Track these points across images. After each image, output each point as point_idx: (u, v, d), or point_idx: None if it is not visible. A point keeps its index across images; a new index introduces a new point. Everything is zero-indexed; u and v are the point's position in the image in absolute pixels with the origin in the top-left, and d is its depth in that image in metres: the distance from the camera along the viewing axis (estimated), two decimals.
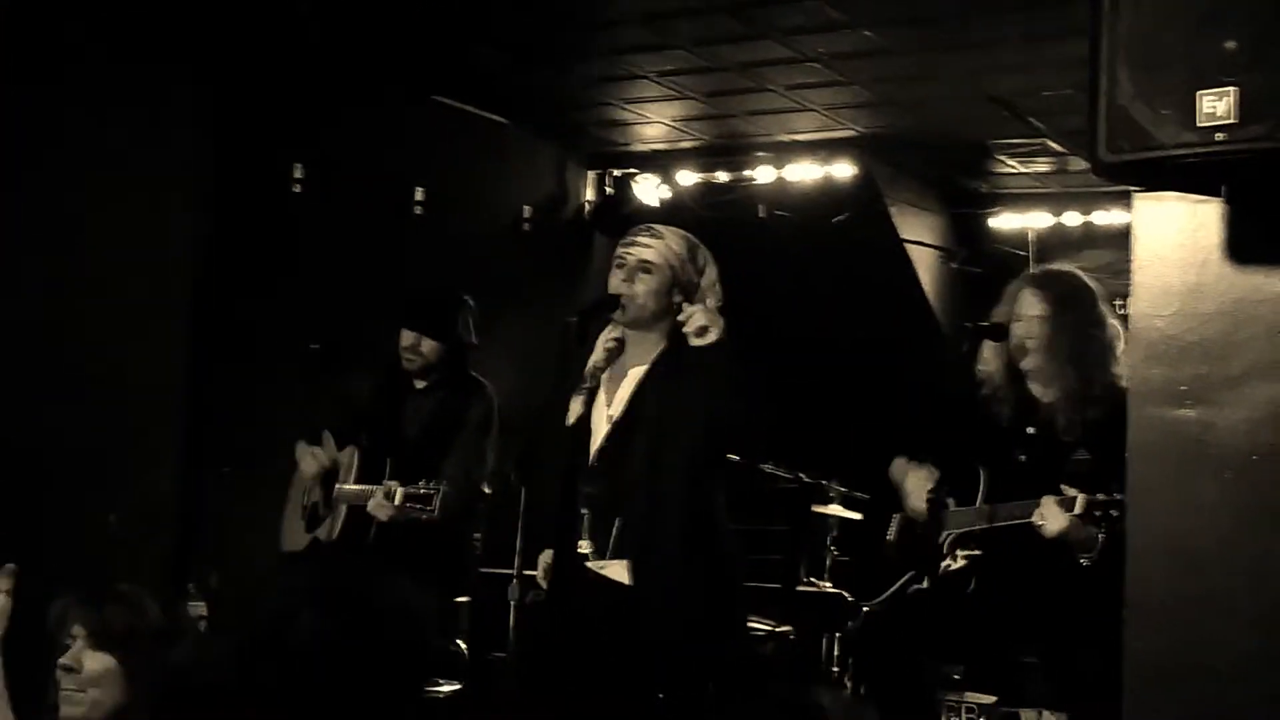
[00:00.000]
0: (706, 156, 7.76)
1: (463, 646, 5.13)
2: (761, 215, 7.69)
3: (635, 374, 3.97)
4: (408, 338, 5.07)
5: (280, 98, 6.15)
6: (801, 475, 6.49)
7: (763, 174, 7.62)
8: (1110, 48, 2.72)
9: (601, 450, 3.93)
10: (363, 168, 6.51)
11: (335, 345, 5.42)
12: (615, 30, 6.00)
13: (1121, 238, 3.16)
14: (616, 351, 4.04)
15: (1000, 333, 4.25)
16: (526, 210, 7.61)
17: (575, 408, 4.00)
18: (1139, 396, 3.02)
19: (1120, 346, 4.11)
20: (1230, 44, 2.60)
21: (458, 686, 4.96)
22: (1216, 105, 2.58)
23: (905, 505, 4.39)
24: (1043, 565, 3.99)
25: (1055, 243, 7.68)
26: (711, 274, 4.00)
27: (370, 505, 4.75)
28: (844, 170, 7.40)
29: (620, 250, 3.99)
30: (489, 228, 7.35)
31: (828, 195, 7.47)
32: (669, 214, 7.07)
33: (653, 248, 3.94)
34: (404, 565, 4.60)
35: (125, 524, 5.49)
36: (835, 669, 6.01)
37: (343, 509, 4.98)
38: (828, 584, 6.44)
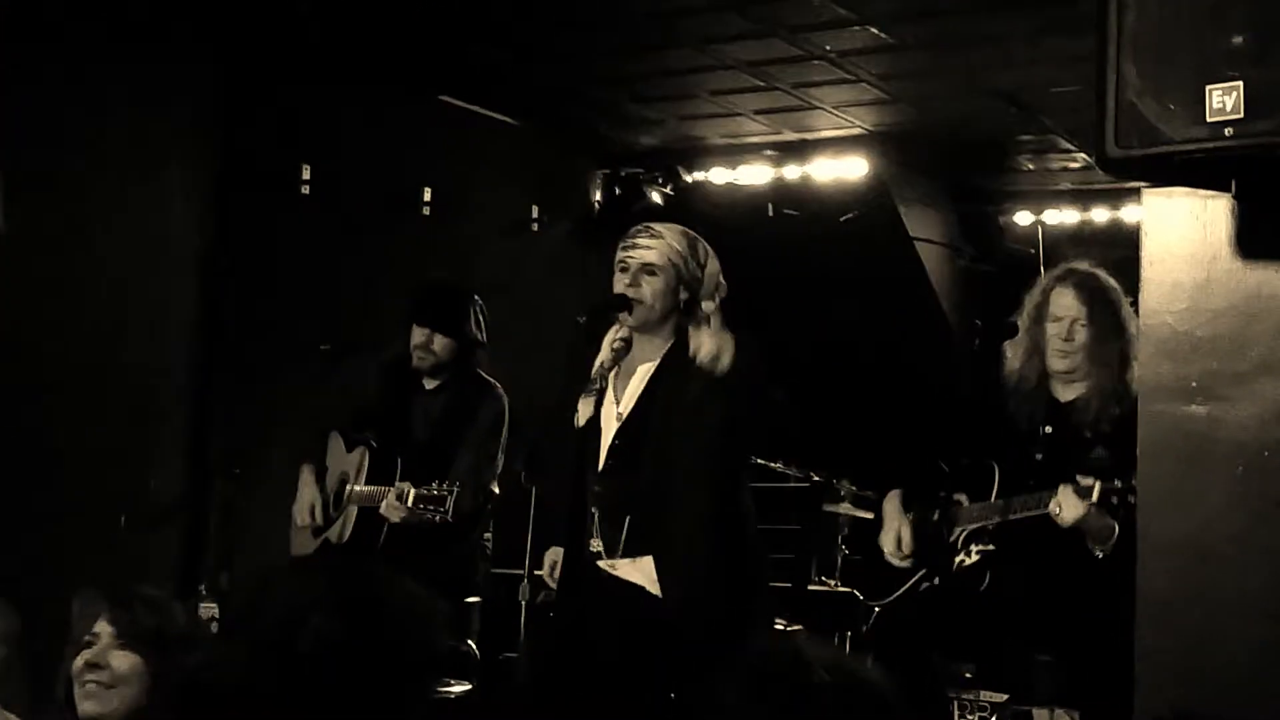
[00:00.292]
0: (714, 155, 7.76)
1: (474, 647, 5.12)
2: (770, 214, 7.68)
3: (644, 371, 3.97)
4: (419, 335, 5.02)
5: (288, 99, 6.16)
6: (812, 474, 6.48)
7: (771, 172, 7.61)
8: (1118, 43, 2.71)
9: (612, 448, 3.92)
10: (370, 168, 6.51)
11: (344, 346, 5.42)
12: (621, 29, 5.99)
13: (1131, 234, 3.15)
14: (623, 351, 4.03)
15: (1011, 331, 4.24)
16: (534, 210, 7.61)
17: (584, 409, 3.98)
18: (1149, 392, 3.02)
19: (1137, 348, 4.10)
20: (1238, 38, 2.59)
21: (468, 687, 4.96)
22: (1225, 100, 2.57)
23: (880, 540, 4.40)
24: (1057, 558, 3.98)
25: (1064, 239, 7.65)
26: (713, 266, 4.00)
27: (383, 507, 4.73)
28: (853, 168, 7.39)
29: (621, 254, 3.97)
30: (496, 227, 7.35)
31: (836, 193, 7.47)
32: (677, 213, 7.06)
33: (654, 249, 3.93)
34: (414, 567, 4.58)
35: (135, 525, 5.51)
36: None
37: (353, 511, 4.98)
38: (839, 583, 6.43)
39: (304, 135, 6.26)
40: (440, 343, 5.02)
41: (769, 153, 7.60)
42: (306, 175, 6.27)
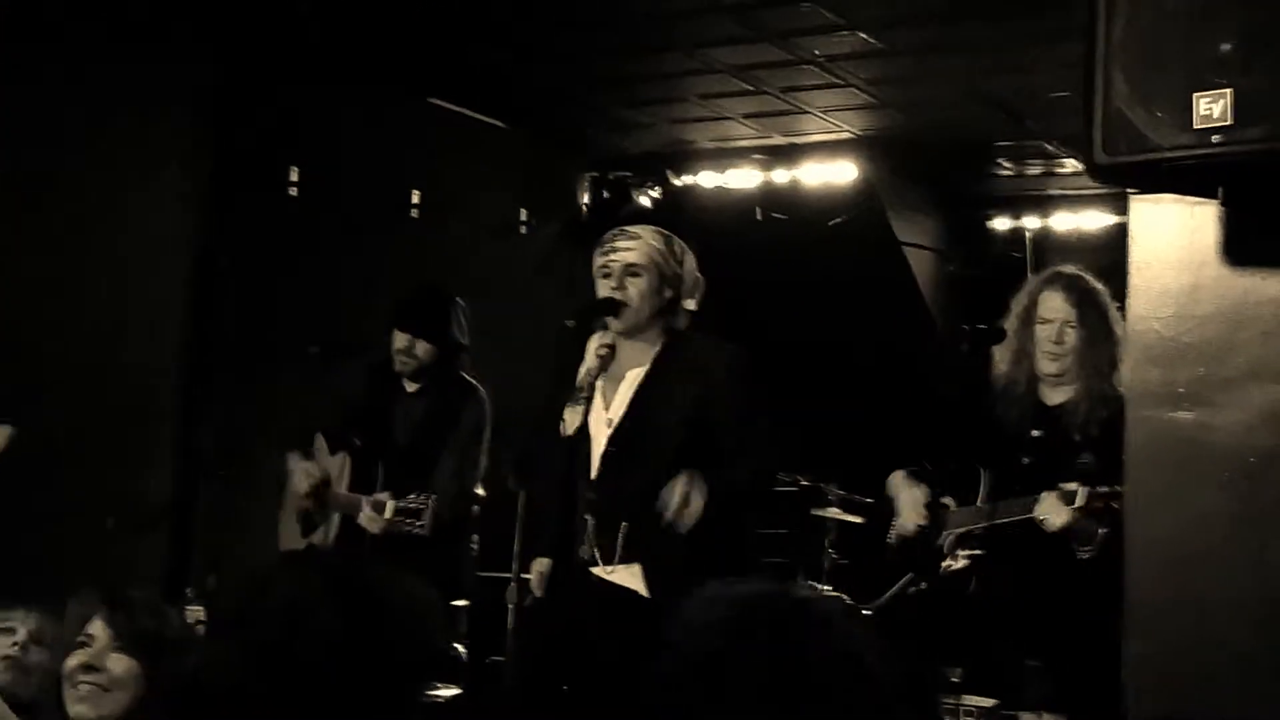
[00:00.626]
0: (704, 159, 7.76)
1: (461, 650, 5.11)
2: (759, 218, 7.69)
3: (634, 375, 3.95)
4: (401, 340, 4.99)
5: (278, 101, 6.15)
6: (800, 478, 6.48)
7: (760, 176, 7.62)
8: (1106, 50, 2.72)
9: (606, 455, 3.90)
10: (359, 171, 6.51)
11: (333, 348, 5.41)
12: (612, 33, 6.00)
13: (1118, 240, 3.16)
14: (609, 357, 4.00)
15: (998, 335, 4.25)
16: (523, 213, 7.61)
17: (572, 417, 3.93)
18: (1137, 398, 3.03)
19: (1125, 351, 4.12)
20: (1225, 46, 2.60)
21: (457, 691, 4.95)
22: (1212, 107, 2.59)
23: (897, 521, 4.39)
24: (1043, 562, 3.99)
25: (1052, 245, 7.67)
26: (690, 263, 4.00)
27: (361, 518, 4.71)
28: (841, 172, 7.40)
29: (601, 259, 3.95)
30: (485, 231, 7.34)
31: (825, 198, 7.47)
32: (665, 217, 7.06)
33: (634, 249, 3.92)
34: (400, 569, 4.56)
35: (123, 527, 5.50)
36: None
37: (336, 516, 4.97)
38: (827, 587, 6.43)
39: (295, 137, 6.26)
40: (422, 348, 4.99)
41: (758, 157, 7.60)
42: (295, 177, 6.26)
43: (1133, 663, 2.96)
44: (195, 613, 4.71)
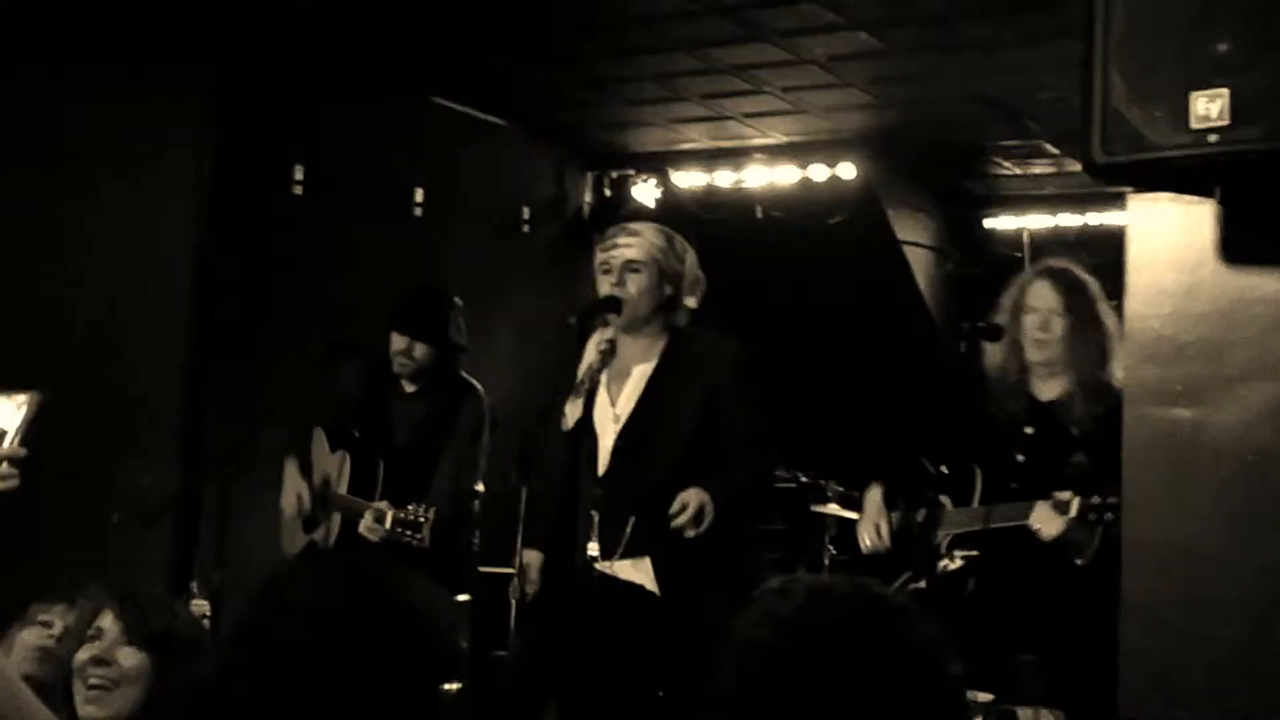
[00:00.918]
0: (704, 158, 7.78)
1: (464, 645, 5.12)
2: (758, 217, 7.70)
3: (641, 372, 3.97)
4: (399, 342, 5.00)
5: (281, 99, 6.16)
6: (799, 474, 6.50)
7: (760, 175, 7.63)
8: (1104, 49, 2.73)
9: (615, 450, 3.92)
10: (362, 169, 6.52)
11: (335, 346, 5.42)
12: (613, 32, 6.01)
13: (1116, 239, 3.18)
14: (610, 354, 4.03)
15: (997, 333, 4.26)
16: (525, 212, 7.62)
17: (572, 412, 3.97)
18: (1134, 396, 3.04)
19: (1118, 345, 4.14)
20: (1223, 46, 2.61)
21: (459, 685, 4.96)
22: (1210, 107, 2.60)
23: (857, 530, 4.43)
24: (1039, 566, 4.00)
25: (1050, 244, 7.69)
26: (691, 260, 4.03)
27: (361, 527, 4.72)
28: (840, 172, 7.42)
29: (602, 255, 3.99)
30: (488, 229, 7.36)
31: (824, 197, 7.48)
32: (666, 216, 7.09)
33: (635, 246, 3.95)
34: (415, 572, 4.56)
35: (128, 523, 5.51)
36: None
37: (337, 517, 4.98)
38: (819, 579, 6.43)
39: (298, 135, 6.27)
40: (420, 350, 4.99)
41: (758, 156, 7.62)
42: (299, 176, 6.27)
43: (1129, 659, 2.98)
44: (200, 607, 4.73)
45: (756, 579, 3.93)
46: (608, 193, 8.04)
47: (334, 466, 5.06)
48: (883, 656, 1.59)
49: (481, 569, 5.17)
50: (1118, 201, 3.29)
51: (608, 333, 4.04)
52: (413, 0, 5.70)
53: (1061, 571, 3.97)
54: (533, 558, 4.06)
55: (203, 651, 2.79)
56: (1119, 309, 3.22)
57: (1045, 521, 3.91)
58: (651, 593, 3.82)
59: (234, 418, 5.85)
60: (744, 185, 7.70)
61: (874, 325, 7.52)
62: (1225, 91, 2.60)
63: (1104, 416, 4.04)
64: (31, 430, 2.46)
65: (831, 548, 6.57)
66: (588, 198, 8.09)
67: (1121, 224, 3.10)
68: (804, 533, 6.61)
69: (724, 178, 7.74)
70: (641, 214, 5.79)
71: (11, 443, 2.41)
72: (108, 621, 2.75)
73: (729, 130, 7.35)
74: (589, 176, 8.11)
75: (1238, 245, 2.91)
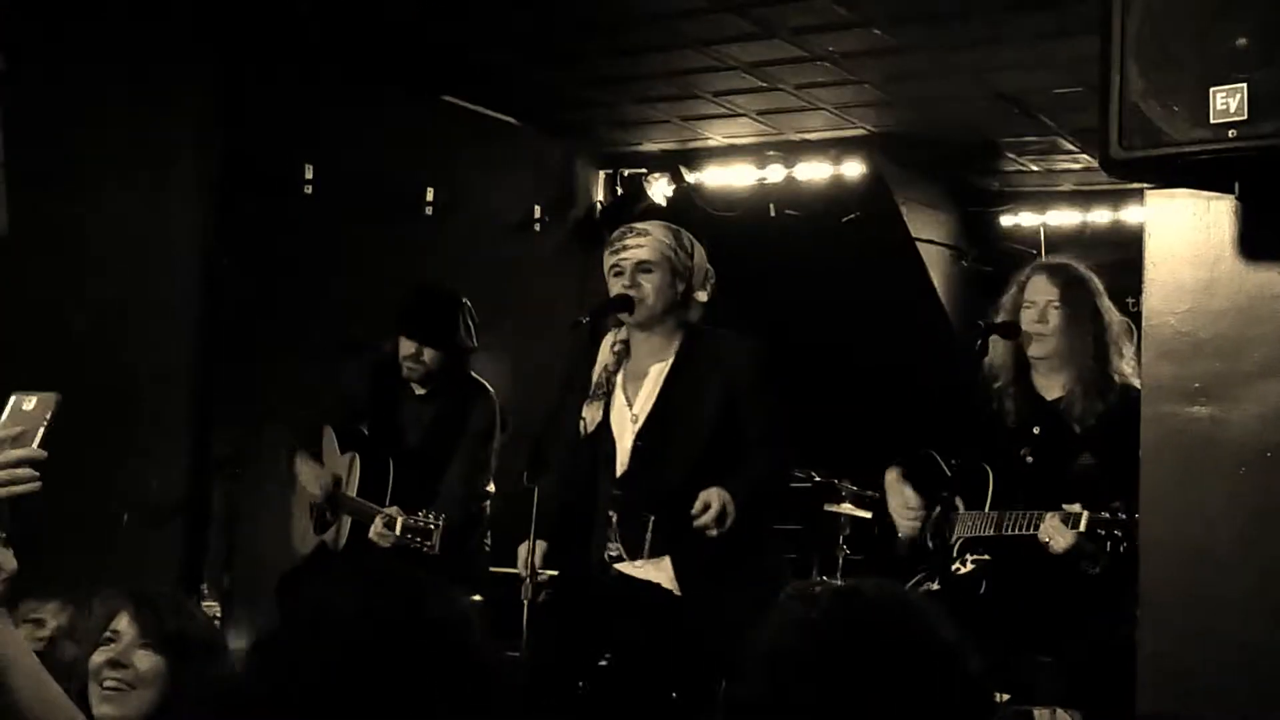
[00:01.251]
0: (716, 156, 7.76)
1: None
2: (772, 214, 7.68)
3: (658, 371, 3.96)
4: (408, 347, 4.97)
5: (290, 98, 6.16)
6: (814, 474, 6.48)
7: (773, 173, 7.61)
8: (1121, 44, 2.71)
9: (635, 451, 3.90)
10: (374, 168, 6.52)
11: (345, 346, 5.42)
12: (625, 30, 6.00)
13: (1133, 235, 3.16)
14: (624, 354, 4.02)
15: (1013, 331, 4.25)
16: (537, 210, 7.62)
17: (592, 414, 3.95)
18: (1152, 393, 3.02)
19: (1121, 341, 4.14)
20: (1241, 40, 2.59)
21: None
22: (1229, 102, 2.58)
23: (890, 520, 4.41)
24: (1051, 572, 3.99)
25: (1065, 240, 7.66)
26: (700, 255, 4.03)
27: (371, 533, 4.70)
28: (854, 169, 7.39)
29: (612, 257, 3.98)
30: (499, 227, 7.35)
31: (838, 194, 7.47)
32: (679, 213, 7.08)
33: (645, 245, 3.95)
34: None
35: (138, 524, 5.51)
36: None
37: (347, 519, 4.97)
38: (840, 583, 6.42)
39: (307, 135, 6.27)
40: (430, 354, 4.97)
41: (771, 153, 7.60)
42: (309, 175, 6.26)
43: (1146, 659, 2.96)
44: (211, 609, 4.73)
45: (776, 578, 3.94)
46: (620, 191, 8.03)
47: (344, 467, 5.06)
48: (912, 658, 1.60)
49: (493, 569, 5.16)
50: (1135, 197, 3.26)
51: (621, 333, 4.03)
52: (420, 0, 5.70)
53: (1073, 579, 3.95)
54: (540, 545, 4.01)
55: (218, 654, 2.78)
56: (1137, 305, 3.20)
57: (1055, 534, 3.90)
58: (668, 591, 3.80)
59: (240, 418, 5.84)
60: (756, 183, 7.68)
61: (888, 323, 7.49)
62: (1244, 86, 2.58)
63: (1106, 413, 4.04)
64: (49, 432, 2.44)
65: (846, 547, 6.55)
66: (599, 196, 8.08)
67: (1139, 220, 3.07)
68: (818, 532, 6.60)
69: (737, 175, 7.72)
70: (653, 212, 5.80)
71: (32, 445, 2.38)
72: (124, 624, 2.73)
73: (742, 128, 7.34)
74: (601, 175, 8.10)
75: (1256, 241, 2.89)
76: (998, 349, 4.32)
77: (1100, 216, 7.67)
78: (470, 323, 5.07)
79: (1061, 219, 7.84)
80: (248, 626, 5.39)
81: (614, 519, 3.87)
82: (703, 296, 4.01)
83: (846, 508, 6.56)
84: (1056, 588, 4.00)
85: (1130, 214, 7.22)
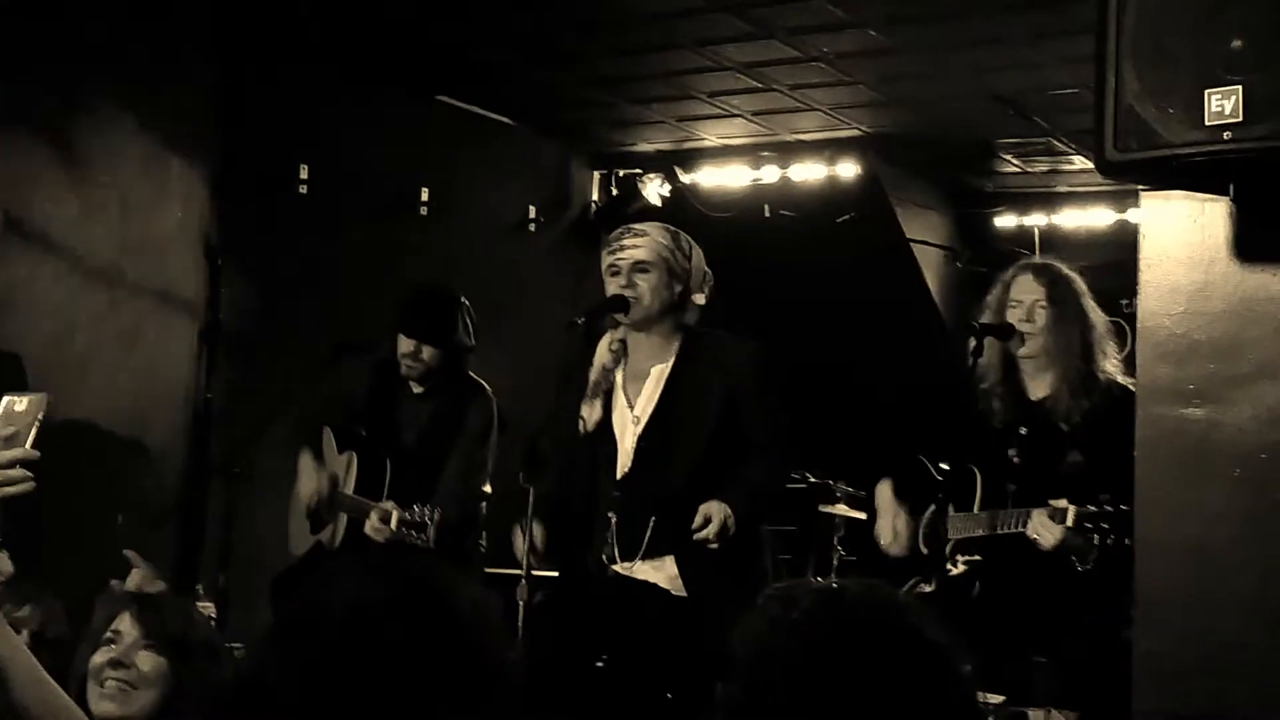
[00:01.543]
0: (711, 156, 7.76)
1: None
2: (767, 215, 7.68)
3: (659, 372, 3.96)
4: (406, 344, 4.98)
5: (282, 99, 6.15)
6: (808, 475, 6.48)
7: (768, 173, 7.61)
8: (1117, 46, 2.72)
9: (637, 451, 3.90)
10: (368, 168, 6.51)
11: (341, 346, 5.41)
12: (619, 31, 6.00)
13: (1129, 236, 3.16)
14: (621, 353, 4.02)
15: (1008, 332, 4.26)
16: (532, 210, 7.61)
17: (591, 414, 3.95)
18: (1147, 395, 3.03)
19: (1106, 339, 4.16)
20: (1236, 43, 2.60)
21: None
22: (1224, 104, 2.59)
23: (875, 530, 4.43)
24: (1043, 570, 4.00)
25: (1060, 242, 7.66)
26: (698, 257, 4.03)
27: (366, 527, 4.70)
28: (849, 170, 7.39)
29: (609, 258, 3.97)
30: (494, 228, 7.35)
31: (833, 195, 7.46)
32: (674, 214, 7.09)
33: (642, 246, 3.94)
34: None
35: (133, 525, 5.50)
36: None
37: (343, 517, 4.97)
38: (820, 583, 6.41)
39: (303, 135, 6.26)
40: (428, 352, 4.97)
41: (766, 154, 7.60)
42: (304, 175, 6.26)
43: (1142, 659, 2.96)
44: (207, 609, 4.72)
45: (774, 579, 3.94)
46: (615, 191, 8.02)
47: (341, 466, 5.06)
48: (898, 658, 1.58)
49: (488, 570, 5.16)
50: (1130, 199, 3.27)
51: (619, 333, 4.02)
52: (417, 0, 5.69)
53: (1065, 576, 3.96)
54: (539, 531, 3.97)
55: (219, 655, 2.78)
56: (1131, 307, 3.21)
57: (1043, 530, 3.91)
58: (666, 592, 3.80)
59: (238, 419, 5.84)
60: (751, 183, 7.68)
61: (882, 324, 7.49)
62: (1238, 88, 2.58)
63: (1091, 410, 4.07)
64: (41, 433, 2.45)
65: (840, 548, 6.55)
66: (595, 196, 8.08)
67: (1134, 222, 3.08)
68: (813, 533, 6.60)
69: (732, 176, 7.72)
70: (649, 213, 5.80)
71: (24, 445, 2.39)
72: (126, 624, 2.73)
73: (737, 128, 7.33)
74: (596, 175, 8.09)
75: (1251, 243, 2.90)
76: (987, 350, 4.33)
77: (1094, 218, 7.67)
78: (469, 321, 5.08)
79: (1056, 220, 7.84)
80: (243, 627, 5.38)
81: (613, 520, 3.87)
82: (700, 299, 4.01)
83: (841, 509, 6.56)
84: (1048, 585, 4.02)
85: (1126, 216, 7.22)
